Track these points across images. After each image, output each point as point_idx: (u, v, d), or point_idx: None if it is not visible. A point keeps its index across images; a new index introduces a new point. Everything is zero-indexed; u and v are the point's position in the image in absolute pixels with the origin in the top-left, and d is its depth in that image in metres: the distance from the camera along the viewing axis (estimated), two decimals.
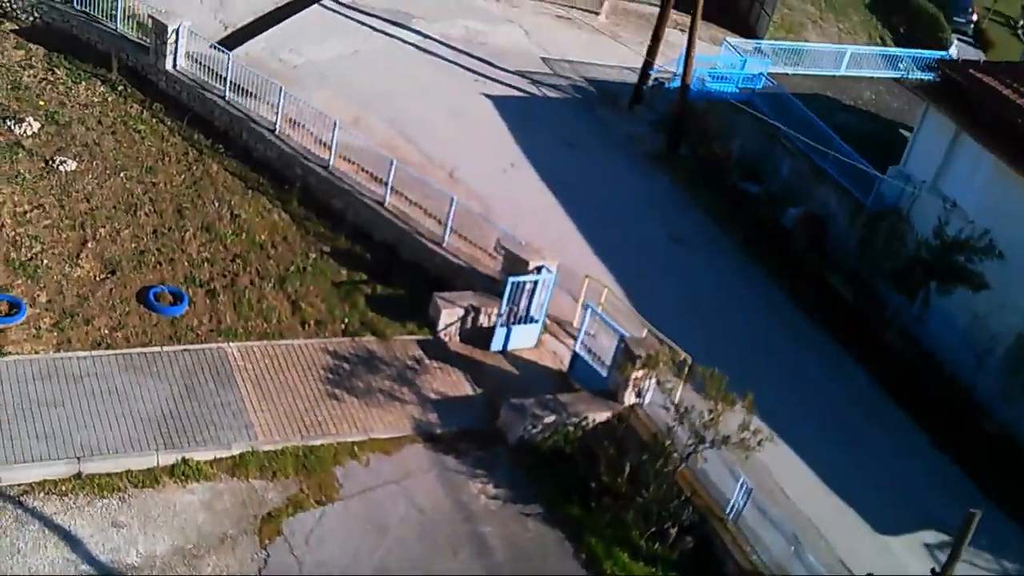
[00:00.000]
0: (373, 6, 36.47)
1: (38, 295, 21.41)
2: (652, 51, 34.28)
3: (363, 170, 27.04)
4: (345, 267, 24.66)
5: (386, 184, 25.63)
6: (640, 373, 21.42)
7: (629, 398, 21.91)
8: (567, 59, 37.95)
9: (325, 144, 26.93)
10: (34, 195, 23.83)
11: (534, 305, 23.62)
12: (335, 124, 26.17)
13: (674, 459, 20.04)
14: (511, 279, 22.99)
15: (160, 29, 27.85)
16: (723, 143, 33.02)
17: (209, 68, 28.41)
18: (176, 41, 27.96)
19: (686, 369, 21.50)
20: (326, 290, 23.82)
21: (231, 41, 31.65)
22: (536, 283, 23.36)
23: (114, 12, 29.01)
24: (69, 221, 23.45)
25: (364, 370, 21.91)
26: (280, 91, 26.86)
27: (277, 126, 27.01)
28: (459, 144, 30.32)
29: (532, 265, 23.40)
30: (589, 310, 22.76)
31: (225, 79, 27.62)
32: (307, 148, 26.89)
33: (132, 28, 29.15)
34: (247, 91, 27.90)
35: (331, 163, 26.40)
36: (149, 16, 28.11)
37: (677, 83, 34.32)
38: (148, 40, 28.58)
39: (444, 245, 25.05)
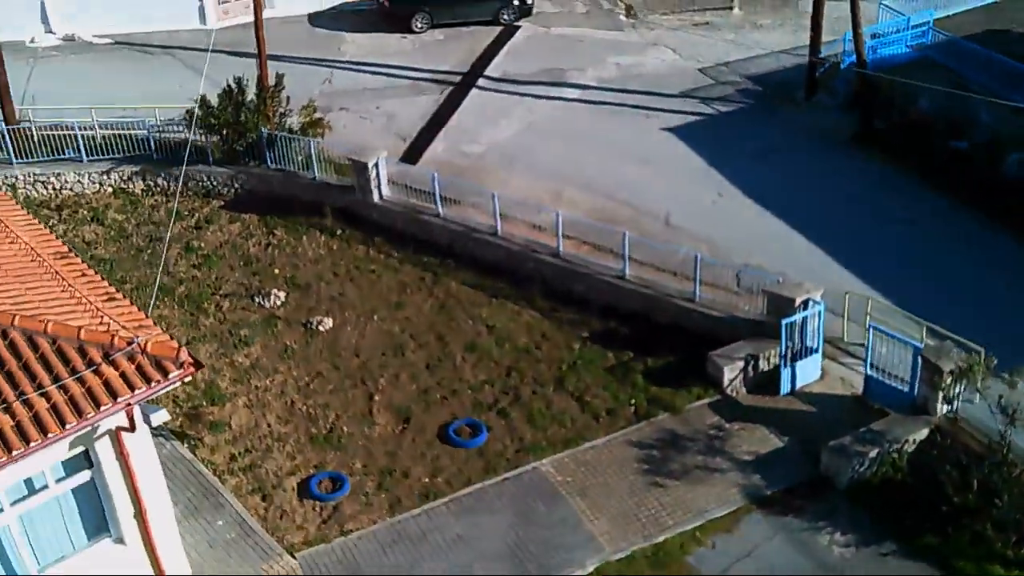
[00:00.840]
0: (523, 73, 36.87)
1: (352, 462, 22.26)
2: (815, 37, 33.70)
3: (585, 243, 27.36)
4: (609, 349, 24.96)
5: (623, 257, 25.83)
6: (949, 381, 21.14)
7: (941, 408, 21.62)
8: (723, 63, 37.69)
9: (539, 227, 27.42)
10: (308, 364, 24.79)
11: (809, 336, 23.49)
12: (558, 215, 26.51)
13: (1018, 462, 19.70)
14: (784, 321, 22.91)
15: (360, 168, 28.68)
16: (914, 107, 32.24)
17: (412, 187, 29.11)
18: (377, 175, 28.70)
19: (981, 365, 21.12)
20: (602, 377, 24.15)
21: (413, 151, 32.47)
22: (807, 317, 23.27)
23: (303, 160, 29.94)
24: (350, 380, 24.32)
25: (673, 451, 22.13)
26: (493, 197, 27.34)
27: (498, 228, 27.48)
28: (660, 187, 30.43)
29: (798, 301, 23.29)
30: (873, 330, 22.51)
31: (433, 195, 28.21)
32: (532, 241, 27.30)
33: (329, 171, 30.05)
34: (455, 200, 28.54)
35: (560, 250, 26.72)
36: (347, 159, 28.97)
37: (848, 60, 33.76)
38: (349, 179, 29.44)
39: (697, 301, 25.11)
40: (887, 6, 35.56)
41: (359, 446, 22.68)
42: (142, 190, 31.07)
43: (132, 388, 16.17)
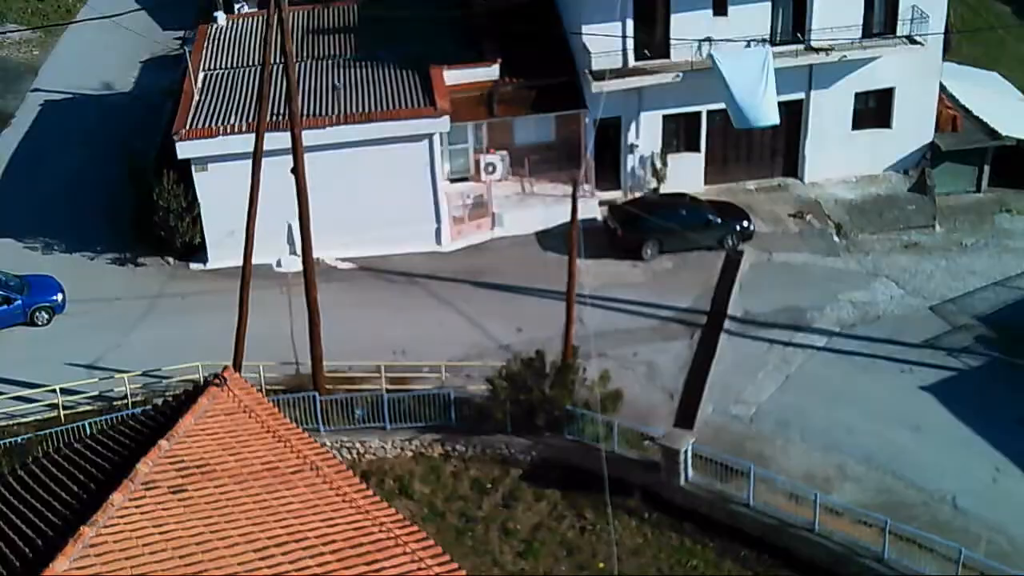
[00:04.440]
0: (764, 312, 38.18)
1: None
2: None
3: (891, 534, 28.48)
4: None
5: (956, 564, 27.03)
6: None
7: None
8: (949, 299, 39.07)
9: (837, 512, 28.73)
10: None
11: None
12: (886, 523, 27.75)
13: None
14: None
15: (670, 453, 30.06)
16: None
17: (703, 456, 30.37)
18: (684, 459, 30.09)
19: None
20: None
21: (684, 412, 33.81)
22: None
23: (601, 432, 31.31)
24: None
25: None
26: (816, 497, 28.64)
27: (815, 524, 28.76)
28: (935, 460, 31.61)
29: None
30: None
31: (747, 483, 29.47)
32: (852, 540, 28.54)
33: (625, 444, 31.37)
34: (738, 471, 29.82)
35: (885, 555, 27.97)
36: (658, 444, 30.34)
37: None
38: (647, 454, 30.82)
39: None
40: None
41: None
42: (440, 455, 32.46)
43: None
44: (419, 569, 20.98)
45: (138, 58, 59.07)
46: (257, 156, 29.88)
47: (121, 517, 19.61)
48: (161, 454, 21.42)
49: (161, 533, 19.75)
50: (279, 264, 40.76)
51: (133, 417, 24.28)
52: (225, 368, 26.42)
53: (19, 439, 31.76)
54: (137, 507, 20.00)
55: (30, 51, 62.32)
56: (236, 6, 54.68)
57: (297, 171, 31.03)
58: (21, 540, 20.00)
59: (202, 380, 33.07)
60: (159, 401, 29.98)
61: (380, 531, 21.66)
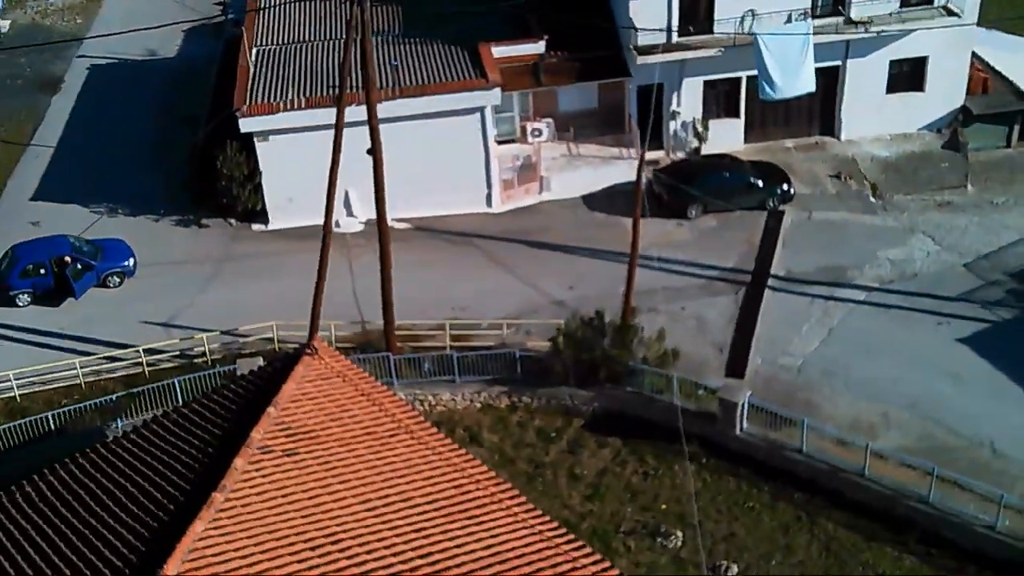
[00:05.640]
0: (806, 271, 39.74)
1: None
2: None
3: (936, 476, 30.28)
4: None
5: (997, 505, 28.89)
6: None
7: None
8: (983, 255, 40.64)
9: (883, 456, 30.56)
10: None
11: None
12: (934, 470, 29.55)
13: None
14: None
15: (728, 406, 31.89)
16: None
17: (757, 406, 32.06)
18: (741, 411, 31.91)
19: None
20: None
21: (733, 364, 35.59)
22: None
23: (653, 387, 33.12)
24: None
25: None
26: (867, 447, 30.48)
27: (865, 470, 30.64)
28: (975, 408, 33.26)
29: None
30: None
31: (800, 433, 31.32)
32: (900, 484, 30.39)
33: (684, 397, 33.16)
34: (791, 421, 31.65)
35: (930, 496, 29.86)
36: (717, 397, 32.13)
37: None
38: (705, 405, 32.65)
39: None
40: None
41: None
42: (507, 406, 34.34)
43: None
44: (515, 522, 22.68)
45: (181, 26, 60.14)
46: (339, 127, 31.27)
47: (245, 481, 21.45)
48: (271, 420, 23.16)
49: (282, 495, 21.61)
50: (337, 225, 42.20)
51: (233, 381, 26.01)
52: (313, 337, 28.11)
53: (112, 397, 33.55)
54: (257, 471, 21.85)
55: (73, 19, 63.69)
56: None
57: (374, 143, 32.47)
58: (151, 503, 21.80)
59: (276, 339, 35.23)
60: (240, 361, 32.13)
61: (478, 488, 23.34)
